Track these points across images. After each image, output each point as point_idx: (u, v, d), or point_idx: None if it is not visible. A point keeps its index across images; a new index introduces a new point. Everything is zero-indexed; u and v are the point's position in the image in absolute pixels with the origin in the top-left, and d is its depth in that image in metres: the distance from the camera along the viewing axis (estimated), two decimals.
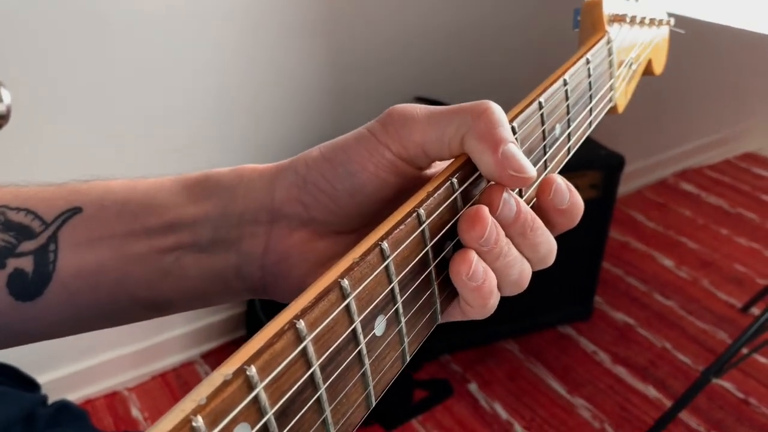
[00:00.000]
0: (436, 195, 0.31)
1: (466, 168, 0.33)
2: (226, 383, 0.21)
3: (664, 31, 0.63)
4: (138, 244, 0.37)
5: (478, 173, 0.34)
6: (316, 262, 0.36)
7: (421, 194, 0.31)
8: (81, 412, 0.73)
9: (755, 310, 1.74)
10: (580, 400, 1.51)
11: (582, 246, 1.61)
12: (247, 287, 0.38)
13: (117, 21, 1.20)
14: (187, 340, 1.59)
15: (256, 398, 0.22)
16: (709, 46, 2.14)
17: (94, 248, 0.37)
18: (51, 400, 0.87)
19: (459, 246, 0.32)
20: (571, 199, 0.36)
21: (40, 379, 1.36)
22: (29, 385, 1.37)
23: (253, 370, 0.21)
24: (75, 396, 1.46)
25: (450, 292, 0.33)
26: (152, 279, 0.37)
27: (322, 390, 0.25)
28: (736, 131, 2.55)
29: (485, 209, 0.32)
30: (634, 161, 2.22)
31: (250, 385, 0.21)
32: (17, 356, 1.28)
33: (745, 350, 1.35)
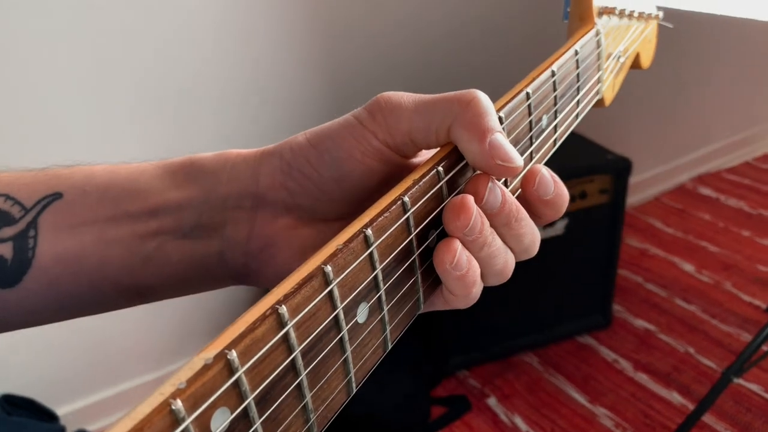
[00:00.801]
0: (421, 183, 0.31)
1: (453, 157, 0.33)
2: (206, 367, 0.20)
3: (652, 25, 0.63)
4: (119, 229, 0.36)
5: (464, 162, 0.34)
6: (300, 249, 0.36)
7: (406, 182, 0.31)
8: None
9: None
10: (601, 410, 1.48)
11: (596, 253, 1.59)
12: (230, 274, 0.38)
13: (109, 19, 1.23)
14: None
15: (236, 383, 0.21)
16: (725, 46, 2.12)
17: (75, 234, 0.36)
18: (69, 430, 0.87)
19: (443, 235, 0.32)
20: (556, 189, 0.36)
21: (59, 410, 1.37)
22: (48, 417, 1.39)
23: (234, 355, 0.21)
24: (93, 427, 1.47)
25: (433, 281, 0.33)
26: (134, 265, 0.36)
27: (303, 376, 0.25)
28: (755, 133, 2.51)
29: (470, 198, 0.32)
30: (650, 168, 2.20)
31: (230, 370, 0.21)
32: (36, 390, 1.30)
33: (765, 348, 1.31)
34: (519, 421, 1.46)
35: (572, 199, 1.48)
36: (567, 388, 1.54)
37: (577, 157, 1.54)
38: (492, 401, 1.52)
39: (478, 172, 0.33)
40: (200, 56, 1.33)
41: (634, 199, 2.17)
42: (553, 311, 1.63)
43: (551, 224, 1.48)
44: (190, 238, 0.36)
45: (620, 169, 1.52)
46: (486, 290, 0.37)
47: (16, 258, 0.36)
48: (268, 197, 0.35)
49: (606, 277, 1.64)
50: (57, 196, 0.37)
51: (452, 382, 1.57)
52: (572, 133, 1.59)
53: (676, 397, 1.49)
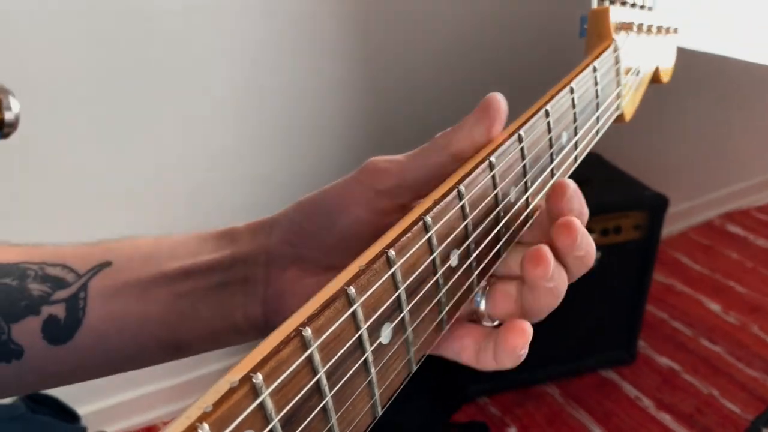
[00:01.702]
0: (443, 202, 0.31)
1: (473, 176, 0.33)
2: (232, 390, 0.21)
3: (672, 39, 0.62)
4: (159, 289, 0.40)
5: (485, 180, 0.34)
6: (307, 297, 0.38)
7: (427, 202, 0.31)
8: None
9: None
10: None
11: (625, 288, 1.58)
12: (252, 325, 0.41)
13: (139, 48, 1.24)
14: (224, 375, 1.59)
15: (261, 405, 0.21)
16: (755, 85, 2.11)
17: (120, 294, 0.40)
18: (90, 431, 0.87)
19: (466, 254, 0.33)
20: (586, 247, 0.36)
21: (81, 410, 1.37)
22: (70, 416, 1.39)
23: (259, 378, 0.21)
24: (113, 428, 1.47)
25: (457, 301, 0.33)
26: (171, 321, 0.40)
27: (328, 398, 0.25)
28: None
29: (546, 248, 0.34)
30: (680, 202, 2.18)
31: (255, 392, 0.21)
32: (60, 388, 1.29)
33: None
34: None
35: (606, 232, 1.47)
36: (588, 423, 1.53)
37: (613, 192, 1.53)
38: (512, 431, 1.50)
39: (502, 185, 0.34)
40: (240, 74, 1.33)
41: (662, 232, 2.15)
42: (578, 344, 1.61)
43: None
44: (218, 295, 0.41)
45: (656, 206, 1.50)
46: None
47: (68, 317, 0.40)
48: (276, 252, 0.39)
49: (633, 313, 1.63)
50: (107, 264, 0.42)
51: (472, 408, 1.56)
52: (609, 166, 1.58)
53: None
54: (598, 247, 1.67)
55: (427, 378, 1.49)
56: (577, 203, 0.36)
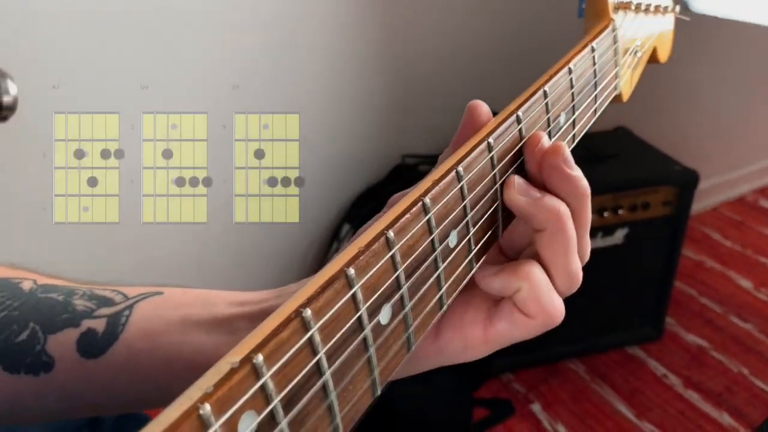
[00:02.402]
0: (441, 184, 0.31)
1: (471, 157, 0.34)
2: (233, 371, 0.21)
3: (669, 19, 0.63)
4: (202, 311, 0.40)
5: (483, 162, 0.34)
6: None
7: (426, 183, 0.31)
8: (145, 418, 0.75)
9: None
10: (648, 425, 1.45)
11: (653, 264, 1.56)
12: None
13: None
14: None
15: (262, 386, 0.22)
16: None
17: (164, 315, 0.40)
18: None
19: (463, 233, 0.33)
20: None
21: None
22: None
23: (259, 358, 0.22)
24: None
25: (455, 280, 0.34)
26: (209, 346, 0.39)
27: (329, 378, 0.25)
28: None
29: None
30: (711, 177, 2.13)
31: (256, 373, 0.22)
32: None
33: None
34: (562, 430, 1.44)
35: (634, 208, 1.45)
36: (613, 400, 1.52)
37: (643, 167, 1.50)
38: (536, 407, 1.50)
39: (500, 166, 0.35)
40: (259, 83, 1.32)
41: (692, 207, 2.12)
42: (604, 320, 1.59)
43: (610, 233, 1.45)
44: (260, 320, 0.40)
45: (686, 181, 1.47)
46: None
47: (106, 331, 0.39)
48: None
49: (661, 289, 1.60)
50: (158, 293, 0.41)
51: (496, 384, 1.56)
52: (638, 140, 1.55)
53: (726, 419, 1.46)
54: (627, 223, 1.65)
55: None
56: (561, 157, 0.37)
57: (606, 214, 1.42)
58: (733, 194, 2.27)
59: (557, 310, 0.36)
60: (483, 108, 0.37)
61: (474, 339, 0.37)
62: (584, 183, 0.36)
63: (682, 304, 1.79)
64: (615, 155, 1.49)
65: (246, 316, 0.40)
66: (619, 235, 1.46)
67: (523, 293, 0.35)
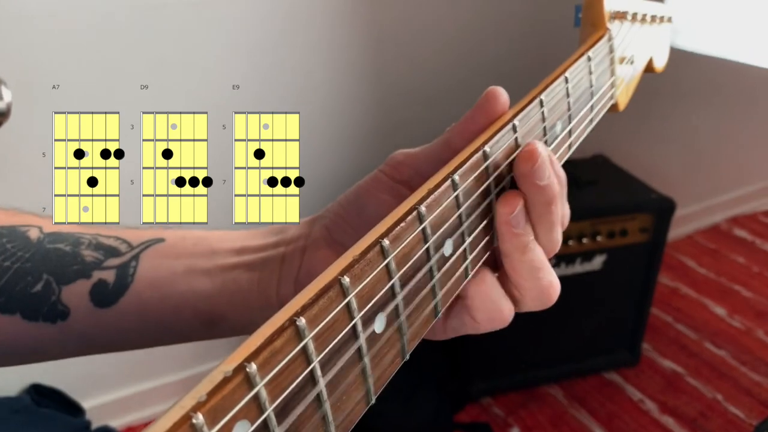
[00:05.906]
0: (437, 192, 0.31)
1: (467, 165, 0.33)
2: (226, 380, 0.21)
3: (665, 29, 0.63)
4: (207, 262, 0.43)
5: (479, 171, 0.34)
6: None
7: (421, 191, 0.31)
8: None
9: None
10: None
11: (630, 291, 1.58)
12: (282, 303, 0.42)
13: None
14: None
15: (256, 395, 0.21)
16: (763, 89, 2.10)
17: (169, 265, 0.43)
18: (94, 425, 0.88)
19: (458, 242, 0.33)
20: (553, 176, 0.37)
21: (85, 404, 1.38)
22: (74, 409, 1.40)
23: (253, 367, 0.21)
24: (117, 423, 1.48)
25: (450, 288, 0.33)
26: (213, 293, 0.42)
27: (323, 387, 0.25)
28: None
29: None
30: (686, 205, 2.17)
31: (250, 382, 0.21)
32: (65, 381, 1.30)
33: None
34: None
35: (612, 235, 1.47)
36: (591, 425, 1.53)
37: (619, 194, 1.53)
38: (515, 431, 1.50)
39: (495, 174, 0.35)
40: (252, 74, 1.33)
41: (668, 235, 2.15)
42: (582, 345, 1.61)
43: (588, 259, 1.48)
44: (258, 271, 0.42)
45: (663, 209, 1.50)
46: (515, 317, 0.38)
47: (117, 282, 0.42)
48: (314, 237, 0.42)
49: (638, 315, 1.62)
50: (160, 240, 0.44)
51: (476, 408, 1.56)
52: (616, 168, 1.58)
53: None
54: (605, 249, 1.66)
55: (432, 378, 1.49)
56: (544, 172, 0.36)
57: (584, 240, 1.44)
58: (707, 222, 2.31)
59: (503, 318, 0.37)
60: (501, 98, 0.37)
61: (434, 327, 0.37)
62: (552, 191, 0.35)
63: (658, 330, 1.81)
64: (593, 182, 1.51)
65: (245, 264, 0.42)
66: (597, 261, 1.48)
67: (471, 301, 0.36)
